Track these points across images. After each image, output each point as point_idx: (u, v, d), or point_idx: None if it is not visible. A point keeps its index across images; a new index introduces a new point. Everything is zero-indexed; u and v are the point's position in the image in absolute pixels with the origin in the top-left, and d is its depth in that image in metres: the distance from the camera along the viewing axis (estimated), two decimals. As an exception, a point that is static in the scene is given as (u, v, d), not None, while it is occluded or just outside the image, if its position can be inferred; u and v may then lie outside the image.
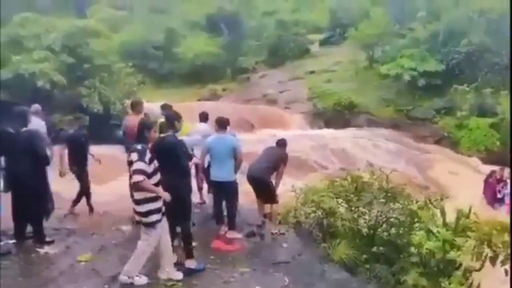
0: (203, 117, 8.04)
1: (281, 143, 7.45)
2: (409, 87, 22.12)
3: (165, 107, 7.72)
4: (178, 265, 5.18)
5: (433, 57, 22.29)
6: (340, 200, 6.91)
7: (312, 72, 28.16)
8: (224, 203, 6.79)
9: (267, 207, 7.18)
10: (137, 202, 4.68)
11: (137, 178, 4.50)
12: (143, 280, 4.84)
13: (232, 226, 6.66)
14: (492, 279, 5.26)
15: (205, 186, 7.83)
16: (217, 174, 6.65)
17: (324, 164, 14.80)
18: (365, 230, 6.42)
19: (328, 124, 21.61)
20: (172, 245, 5.13)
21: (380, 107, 22.31)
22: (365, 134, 19.43)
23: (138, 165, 4.54)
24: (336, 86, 24.75)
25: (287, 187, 7.24)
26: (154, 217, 4.71)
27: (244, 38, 31.47)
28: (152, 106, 9.41)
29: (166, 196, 4.73)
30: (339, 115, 21.94)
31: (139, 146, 4.67)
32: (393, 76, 22.49)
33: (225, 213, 6.80)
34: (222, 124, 6.84)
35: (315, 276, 5.43)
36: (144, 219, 4.72)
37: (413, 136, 20.06)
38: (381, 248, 6.08)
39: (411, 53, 22.70)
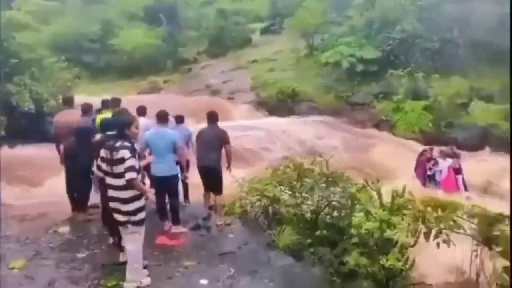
0: (141, 111, 7.87)
1: (211, 119, 7.31)
2: (348, 74, 22.81)
3: (114, 102, 7.61)
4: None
5: (369, 44, 23.09)
6: (283, 187, 7.03)
7: (254, 61, 28.27)
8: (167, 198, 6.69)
9: (212, 199, 7.17)
10: (126, 201, 4.61)
11: (132, 175, 4.47)
12: (147, 279, 4.90)
13: (176, 221, 6.60)
14: (425, 253, 5.61)
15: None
16: (157, 169, 6.54)
17: (267, 153, 14.95)
18: (308, 215, 6.58)
19: (272, 113, 21.86)
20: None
21: (321, 94, 22.83)
22: (307, 121, 19.84)
23: (131, 162, 4.50)
24: (278, 75, 25.02)
25: (232, 178, 7.24)
26: (142, 215, 4.72)
27: (183, 28, 30.92)
28: (92, 101, 9.01)
29: (152, 193, 4.82)
30: (282, 104, 22.24)
31: (126, 143, 4.56)
32: (333, 64, 23.09)
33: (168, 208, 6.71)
34: (162, 117, 6.74)
35: (261, 264, 5.51)
36: (133, 218, 4.67)
37: (353, 121, 20.75)
38: (324, 231, 6.25)
39: (348, 41, 23.37)
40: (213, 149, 7.07)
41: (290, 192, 6.89)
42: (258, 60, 28.26)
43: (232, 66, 27.91)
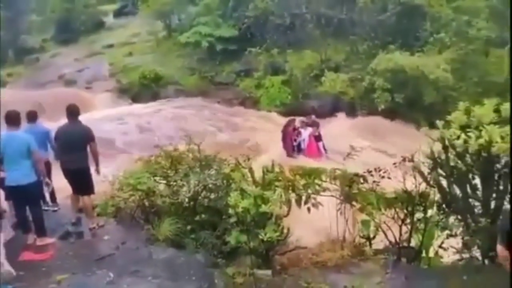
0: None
1: (71, 114, 6.64)
2: (209, 54, 22.93)
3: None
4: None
5: (226, 23, 23.43)
6: (157, 178, 6.84)
7: (110, 46, 26.79)
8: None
9: (81, 201, 6.64)
10: None
11: None
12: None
13: (41, 232, 5.95)
14: (298, 219, 6.03)
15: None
16: (11, 177, 5.78)
17: (136, 144, 14.38)
18: (186, 202, 6.52)
19: (136, 100, 21.02)
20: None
21: (185, 76, 22.63)
22: (174, 105, 19.55)
23: None
24: (138, 59, 24.10)
25: (99, 175, 6.76)
26: None
27: (25, 13, 27.54)
28: None
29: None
30: (146, 89, 21.51)
31: None
32: (193, 44, 22.93)
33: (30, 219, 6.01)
34: (12, 119, 5.94)
35: (142, 261, 5.32)
36: None
37: (220, 100, 21.06)
38: (203, 215, 6.29)
39: (206, 20, 23.36)
40: (77, 149, 6.45)
41: (165, 182, 6.74)
42: (115, 45, 26.80)
43: (86, 53, 26.01)
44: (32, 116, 7.43)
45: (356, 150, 6.41)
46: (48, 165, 7.02)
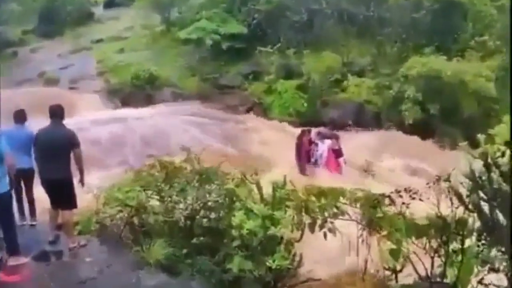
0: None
1: (55, 115, 6.70)
2: (213, 53, 23.16)
3: None
4: None
5: (234, 18, 23.70)
6: (150, 192, 6.88)
7: (99, 41, 27.20)
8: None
9: (60, 217, 6.68)
10: None
11: None
12: None
13: (14, 251, 5.97)
14: (312, 246, 6.01)
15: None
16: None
17: (126, 153, 14.47)
18: (181, 221, 6.54)
19: (127, 103, 21.12)
20: None
21: (184, 77, 22.84)
22: (171, 110, 19.65)
23: None
24: (131, 56, 24.38)
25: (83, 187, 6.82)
26: None
27: (2, 1, 28.10)
28: None
29: None
30: (139, 91, 21.70)
31: None
32: (194, 41, 23.19)
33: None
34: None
35: (129, 287, 5.34)
36: None
37: (224, 106, 21.16)
38: (201, 238, 6.29)
39: (210, 15, 23.66)
40: (59, 156, 6.49)
41: (158, 197, 6.77)
42: (104, 39, 27.18)
43: (71, 48, 26.42)
44: (20, 117, 7.53)
45: (380, 166, 6.43)
46: (31, 173, 7.12)
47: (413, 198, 5.58)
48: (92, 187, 6.87)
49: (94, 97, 21.36)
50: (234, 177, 6.84)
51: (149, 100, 21.29)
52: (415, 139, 17.01)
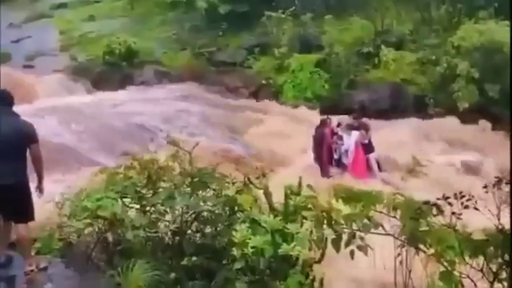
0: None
1: (2, 104, 6.67)
2: (208, 20, 23.20)
3: None
4: None
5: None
6: (127, 200, 6.90)
7: (62, 6, 27.27)
8: None
9: (14, 234, 6.73)
10: None
11: None
12: None
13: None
14: (336, 268, 6.01)
15: None
16: None
17: (96, 150, 14.53)
18: (168, 237, 6.55)
19: (99, 85, 21.25)
20: None
21: (171, 52, 22.89)
22: (155, 94, 19.70)
23: None
24: (103, 25, 24.54)
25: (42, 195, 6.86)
26: None
27: None
28: None
29: None
30: (113, 70, 21.82)
31: None
32: (184, 4, 23.22)
33: None
34: None
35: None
36: None
37: (222, 89, 21.18)
38: (194, 258, 6.29)
39: (203, -31, 23.65)
40: (11, 154, 6.54)
41: (138, 207, 6.78)
42: (68, 4, 27.28)
43: (26, 16, 26.61)
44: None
45: (425, 165, 6.40)
46: None
47: (466, 207, 5.55)
48: (53, 194, 6.89)
49: (56, 79, 21.42)
50: (235, 181, 6.84)
51: (126, 82, 21.46)
52: (471, 128, 16.98)
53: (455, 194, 5.77)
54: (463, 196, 5.70)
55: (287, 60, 20.91)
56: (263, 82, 21.12)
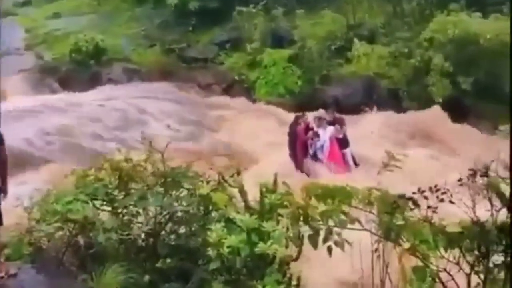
0: None
1: None
2: (178, 15, 23.08)
3: None
4: None
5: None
6: (98, 202, 6.85)
7: (27, 3, 26.96)
8: None
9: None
10: None
11: None
12: None
13: None
14: (313, 265, 6.05)
15: None
16: None
17: (65, 151, 14.39)
18: (142, 239, 6.53)
19: (66, 85, 21.05)
20: None
21: (141, 48, 22.75)
22: (124, 93, 19.58)
23: None
24: (69, 22, 24.34)
25: (9, 199, 6.78)
26: None
27: None
28: None
29: None
30: (81, 69, 21.68)
31: None
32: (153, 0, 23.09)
33: None
34: None
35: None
36: None
37: (194, 86, 21.12)
38: (169, 260, 6.28)
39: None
40: None
41: (109, 209, 6.74)
42: (33, 1, 27.04)
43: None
44: None
45: (399, 159, 6.46)
46: None
47: (442, 200, 5.62)
48: (22, 197, 6.81)
49: (21, 79, 21.16)
50: (209, 179, 6.84)
51: (94, 81, 21.30)
52: (445, 122, 17.16)
53: (430, 188, 5.84)
54: (438, 190, 5.77)
55: (260, 56, 20.92)
56: (236, 78, 21.13)
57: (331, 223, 5.91)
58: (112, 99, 18.94)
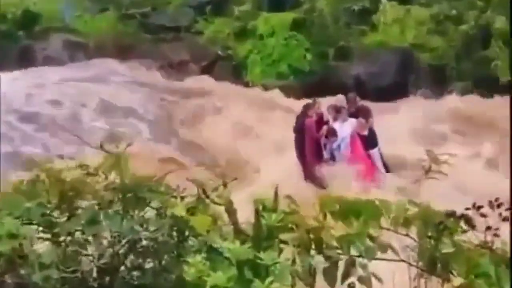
0: None
1: None
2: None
3: None
4: None
5: None
6: (33, 228, 6.86)
7: None
8: None
9: None
10: None
11: None
12: None
13: None
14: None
15: None
16: None
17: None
18: (93, 278, 6.54)
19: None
20: None
21: (87, 14, 22.83)
22: (65, 76, 19.60)
23: None
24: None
25: None
26: None
27: None
28: None
29: None
30: (7, 42, 21.77)
31: None
32: None
33: None
34: None
35: None
36: None
37: (162, 64, 21.15)
38: (130, 306, 6.31)
39: None
40: None
41: (48, 236, 6.74)
42: None
43: None
44: None
45: (444, 161, 6.50)
46: None
47: (505, 219, 5.64)
48: None
49: None
50: (185, 195, 6.86)
51: (26, 58, 21.41)
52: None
53: (490, 202, 5.87)
54: (501, 204, 5.79)
55: (252, 22, 21.02)
56: (219, 53, 21.19)
57: (353, 251, 5.94)
58: (50, 83, 18.93)
